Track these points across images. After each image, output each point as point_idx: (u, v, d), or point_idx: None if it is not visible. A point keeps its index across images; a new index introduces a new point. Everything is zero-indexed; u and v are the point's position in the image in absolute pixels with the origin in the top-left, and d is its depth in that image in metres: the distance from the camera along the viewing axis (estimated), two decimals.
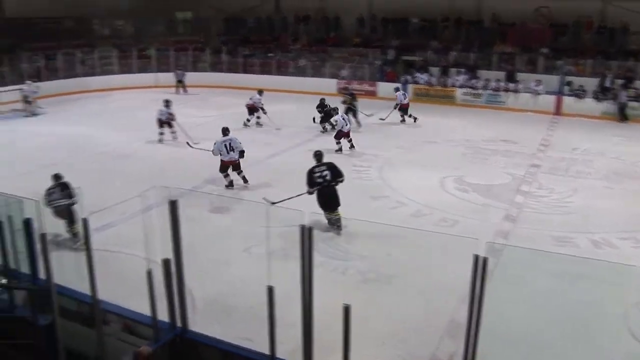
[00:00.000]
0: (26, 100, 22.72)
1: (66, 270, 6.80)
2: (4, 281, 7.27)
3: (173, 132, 18.04)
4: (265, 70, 30.62)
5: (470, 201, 12.69)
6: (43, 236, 6.18)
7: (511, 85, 25.24)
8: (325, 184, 10.70)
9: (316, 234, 5.27)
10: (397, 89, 22.33)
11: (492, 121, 22.05)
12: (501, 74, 26.06)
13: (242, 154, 13.50)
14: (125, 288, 7.50)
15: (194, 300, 7.52)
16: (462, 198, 12.89)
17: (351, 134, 17.05)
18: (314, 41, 32.05)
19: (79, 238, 9.77)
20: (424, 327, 7.46)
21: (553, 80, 24.95)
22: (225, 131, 13.69)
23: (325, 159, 11.19)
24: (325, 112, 19.60)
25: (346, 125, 16.80)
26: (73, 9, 31.01)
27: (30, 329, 6.31)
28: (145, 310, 6.33)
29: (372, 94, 27.55)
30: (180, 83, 28.47)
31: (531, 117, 23.38)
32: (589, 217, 11.85)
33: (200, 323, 6.73)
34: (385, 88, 27.09)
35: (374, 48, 29.99)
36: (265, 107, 20.22)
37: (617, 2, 25.49)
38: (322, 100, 20.22)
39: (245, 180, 13.67)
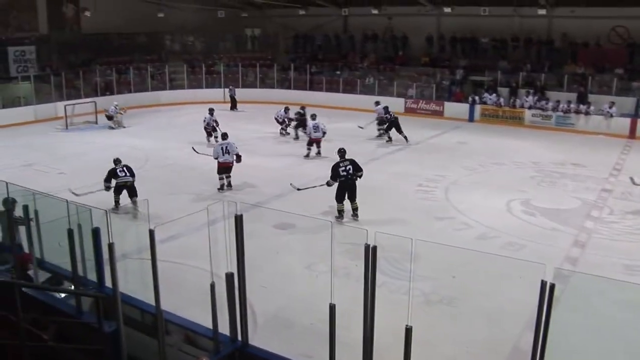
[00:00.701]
0: (111, 119, 23.91)
1: (131, 280, 6.97)
2: (72, 287, 7.50)
3: (216, 138, 19.43)
4: (332, 88, 30.83)
5: (537, 225, 12.43)
6: (110, 246, 6.35)
7: (582, 107, 24.61)
8: (348, 177, 12.37)
9: (379, 253, 5.26)
10: (377, 103, 22.68)
11: (561, 144, 21.54)
12: (572, 95, 25.45)
13: (238, 157, 14.84)
14: (188, 300, 7.63)
15: (255, 314, 7.59)
16: (529, 222, 12.64)
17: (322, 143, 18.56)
18: (382, 60, 32.09)
19: (137, 208, 12.63)
20: (487, 353, 7.34)
21: (628, 102, 24.22)
22: (224, 136, 15.40)
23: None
24: (301, 120, 21.18)
25: (315, 132, 18.36)
26: (146, 26, 32.12)
27: (95, 335, 6.48)
28: (207, 323, 6.43)
29: (438, 114, 27.38)
30: (232, 99, 28.85)
31: (603, 140, 22.72)
32: None
33: (261, 338, 6.79)
34: (452, 108, 26.95)
35: (441, 67, 29.82)
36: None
37: None
38: (301, 108, 22.05)
39: (229, 185, 14.92)
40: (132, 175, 13.06)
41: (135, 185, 12.85)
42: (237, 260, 6.10)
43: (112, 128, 23.64)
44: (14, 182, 8.13)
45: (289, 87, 31.62)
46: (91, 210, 6.80)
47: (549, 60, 27.94)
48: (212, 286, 6.17)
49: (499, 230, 11.99)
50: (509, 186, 15.35)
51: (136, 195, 12.89)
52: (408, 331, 5.17)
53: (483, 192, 14.85)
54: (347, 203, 12.45)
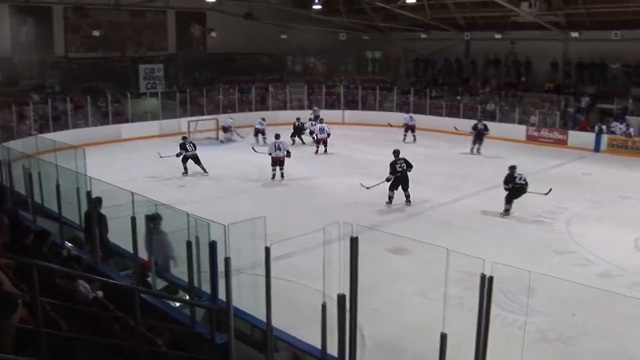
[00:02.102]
0: (225, 129, 25.71)
1: (244, 294, 7.11)
2: (186, 297, 7.75)
3: (265, 138, 24.29)
4: (452, 112, 30.44)
5: None
6: (227, 260, 6.50)
7: None
8: (403, 172, 15.49)
9: (495, 283, 5.10)
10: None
11: None
12: None
13: (288, 153, 18.50)
14: (298, 318, 7.69)
15: (364, 338, 7.55)
16: None
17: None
18: (504, 85, 31.41)
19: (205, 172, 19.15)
20: None
21: None
22: (277, 136, 19.38)
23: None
24: (296, 129, 25.34)
25: (321, 134, 22.85)
26: (268, 46, 33.22)
27: (206, 346, 6.65)
28: (315, 343, 6.44)
29: (562, 143, 26.33)
30: (317, 118, 27.92)
31: None
32: None
33: None
34: (577, 137, 25.86)
35: (566, 94, 28.75)
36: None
37: None
38: (297, 119, 25.82)
39: (282, 176, 18.37)
40: (195, 148, 19.30)
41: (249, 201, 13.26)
42: (350, 282, 6.09)
43: (222, 142, 25.49)
44: (139, 193, 8.50)
45: (408, 111, 31.46)
46: (209, 224, 7.00)
47: None
48: (324, 306, 6.19)
49: (624, 268, 11.36)
50: (637, 222, 14.52)
51: (200, 164, 19.10)
52: None
53: (608, 226, 14.12)
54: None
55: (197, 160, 19.14)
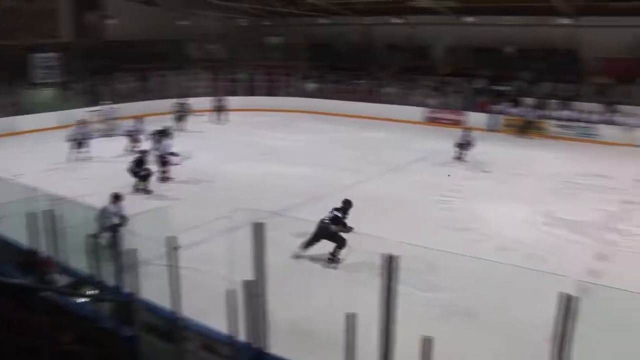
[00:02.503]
0: (105, 120, 24.22)
1: (151, 286, 7.00)
2: (93, 292, 7.56)
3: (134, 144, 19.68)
4: (353, 96, 30.85)
5: (558, 237, 12.32)
6: (131, 251, 6.38)
7: (606, 118, 24.46)
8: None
9: (400, 262, 5.23)
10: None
11: (585, 154, 21.37)
12: (596, 106, 25.26)
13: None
14: (207, 306, 7.64)
15: (274, 323, 7.59)
16: (550, 233, 12.53)
17: None
18: (403, 69, 32.06)
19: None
20: None
21: None
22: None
23: None
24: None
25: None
26: (169, 33, 32.34)
27: (113, 341, 6.53)
28: (225, 329, 6.43)
29: (459, 124, 27.16)
30: (219, 109, 28.03)
31: (627, 151, 22.49)
32: None
33: (279, 346, 6.78)
34: (474, 118, 26.76)
35: (463, 77, 29.69)
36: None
37: None
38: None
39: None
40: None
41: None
42: (255, 268, 6.11)
43: (104, 135, 23.59)
44: (40, 187, 8.21)
45: (309, 96, 31.71)
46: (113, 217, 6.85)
47: (572, 71, 27.73)
48: (231, 293, 6.18)
49: (520, 242, 11.90)
50: (531, 198, 15.24)
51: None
52: (427, 342, 5.13)
53: (504, 203, 14.75)
54: None
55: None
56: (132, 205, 10.79)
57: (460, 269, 10.11)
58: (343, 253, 10.54)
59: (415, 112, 28.21)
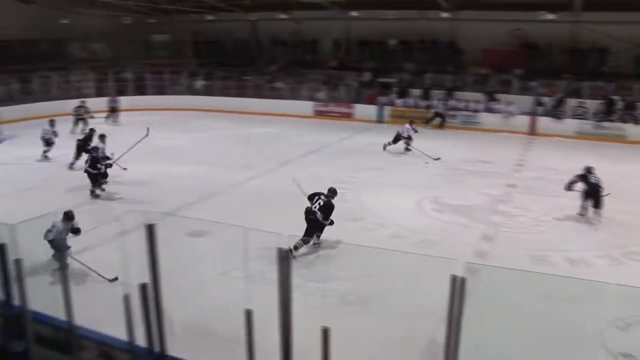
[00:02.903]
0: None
1: (42, 296, 6.71)
2: None
3: (45, 152, 18.44)
4: (241, 93, 30.73)
5: (447, 222, 12.75)
6: (18, 262, 6.10)
7: (487, 106, 25.63)
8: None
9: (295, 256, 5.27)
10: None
11: (468, 142, 22.27)
12: (477, 95, 26.41)
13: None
14: (103, 313, 7.41)
15: (172, 324, 7.45)
16: (439, 219, 12.96)
17: None
18: (291, 64, 32.23)
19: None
20: (404, 349, 7.45)
21: (527, 101, 25.34)
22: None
23: None
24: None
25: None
26: (49, 32, 30.86)
27: (3, 356, 6.21)
28: (123, 336, 6.27)
29: (348, 116, 27.74)
30: (113, 110, 26.75)
31: (507, 138, 23.65)
32: (564, 235, 11.99)
33: (179, 347, 6.66)
34: (362, 110, 27.40)
35: (350, 70, 30.22)
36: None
37: (587, 24, 26.00)
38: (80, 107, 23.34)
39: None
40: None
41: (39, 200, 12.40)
42: (150, 270, 5.98)
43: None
44: None
45: (198, 94, 31.30)
46: None
47: (453, 62, 28.83)
48: (126, 297, 6.02)
49: (410, 228, 12.21)
50: (420, 185, 15.69)
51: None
52: (325, 332, 5.19)
53: (394, 191, 15.11)
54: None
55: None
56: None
57: (355, 258, 10.28)
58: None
59: (305, 106, 28.46)
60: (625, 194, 14.25)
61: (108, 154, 14.99)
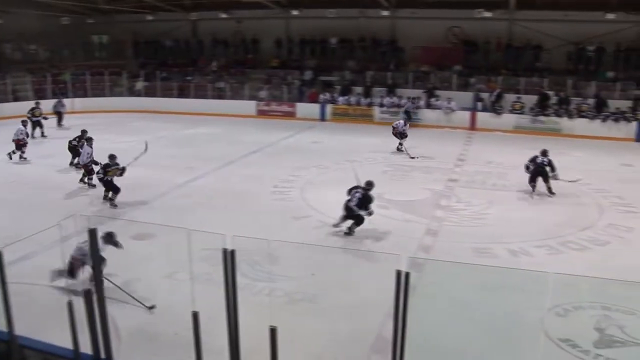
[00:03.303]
0: None
1: None
2: None
3: (22, 152, 18.23)
4: (183, 93, 30.42)
5: (392, 218, 12.86)
6: None
7: (429, 103, 26.04)
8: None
9: (239, 256, 5.24)
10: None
11: (410, 138, 22.48)
12: (418, 92, 26.80)
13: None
14: (46, 321, 7.25)
15: (118, 330, 7.34)
16: (384, 215, 13.02)
17: None
18: (232, 63, 32.06)
19: None
20: (352, 344, 7.50)
21: (467, 96, 25.85)
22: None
23: None
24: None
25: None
26: None
27: None
28: (67, 344, 6.14)
29: (291, 115, 27.77)
30: (58, 114, 25.73)
31: (448, 133, 24.08)
32: (505, 227, 12.24)
33: (125, 353, 6.58)
34: (304, 109, 27.48)
35: (292, 69, 30.27)
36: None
37: (522, 22, 26.76)
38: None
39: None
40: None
41: None
42: (94, 275, 5.87)
43: None
44: None
45: (139, 95, 30.82)
46: None
47: (394, 60, 29.16)
48: (70, 304, 5.89)
49: None
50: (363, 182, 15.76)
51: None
52: (273, 331, 5.19)
53: (338, 189, 14.97)
54: None
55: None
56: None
57: (301, 256, 10.29)
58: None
59: (248, 106, 28.38)
60: (562, 186, 14.66)
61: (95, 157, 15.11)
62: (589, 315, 8.13)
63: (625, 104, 24.24)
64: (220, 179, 15.90)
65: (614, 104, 24.31)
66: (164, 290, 9.18)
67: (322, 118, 27.25)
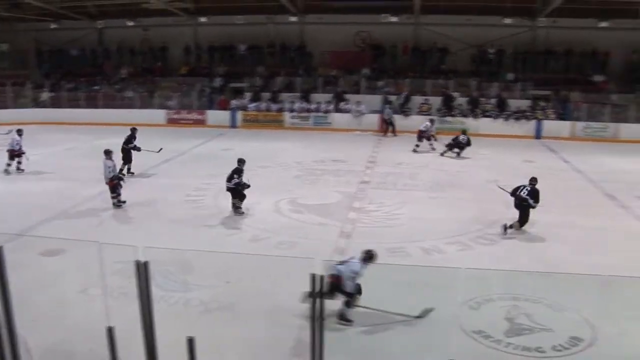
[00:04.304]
0: None
1: None
2: None
3: (19, 163, 17.67)
4: (91, 103, 29.53)
5: (306, 222, 12.92)
6: None
7: (339, 107, 26.36)
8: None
9: (154, 267, 5.16)
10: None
11: (321, 142, 22.75)
12: (327, 96, 27.08)
13: None
14: None
15: (30, 350, 7.06)
16: (297, 219, 13.10)
17: None
18: (140, 72, 31.46)
19: None
20: (272, 350, 7.48)
21: (375, 100, 26.33)
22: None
23: None
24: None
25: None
26: None
27: None
28: None
29: (201, 123, 27.53)
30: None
31: (358, 136, 24.45)
32: (417, 226, 12.52)
33: None
34: (215, 116, 27.32)
35: (201, 76, 30.00)
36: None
37: (428, 26, 27.54)
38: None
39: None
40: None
41: None
42: (0, 296, 5.62)
43: None
44: None
45: (44, 106, 29.70)
46: None
47: (303, 65, 29.38)
48: None
49: (269, 230, 12.26)
50: (276, 187, 15.79)
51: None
52: (190, 342, 5.13)
53: (251, 195, 15.05)
54: None
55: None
56: None
57: (217, 265, 10.19)
58: None
59: (157, 115, 27.91)
60: (465, 184, 15.17)
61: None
62: (499, 306, 8.41)
63: (524, 104, 25.60)
64: (132, 189, 15.55)
65: (514, 104, 25.49)
66: (78, 307, 8.90)
67: (233, 125, 27.15)
